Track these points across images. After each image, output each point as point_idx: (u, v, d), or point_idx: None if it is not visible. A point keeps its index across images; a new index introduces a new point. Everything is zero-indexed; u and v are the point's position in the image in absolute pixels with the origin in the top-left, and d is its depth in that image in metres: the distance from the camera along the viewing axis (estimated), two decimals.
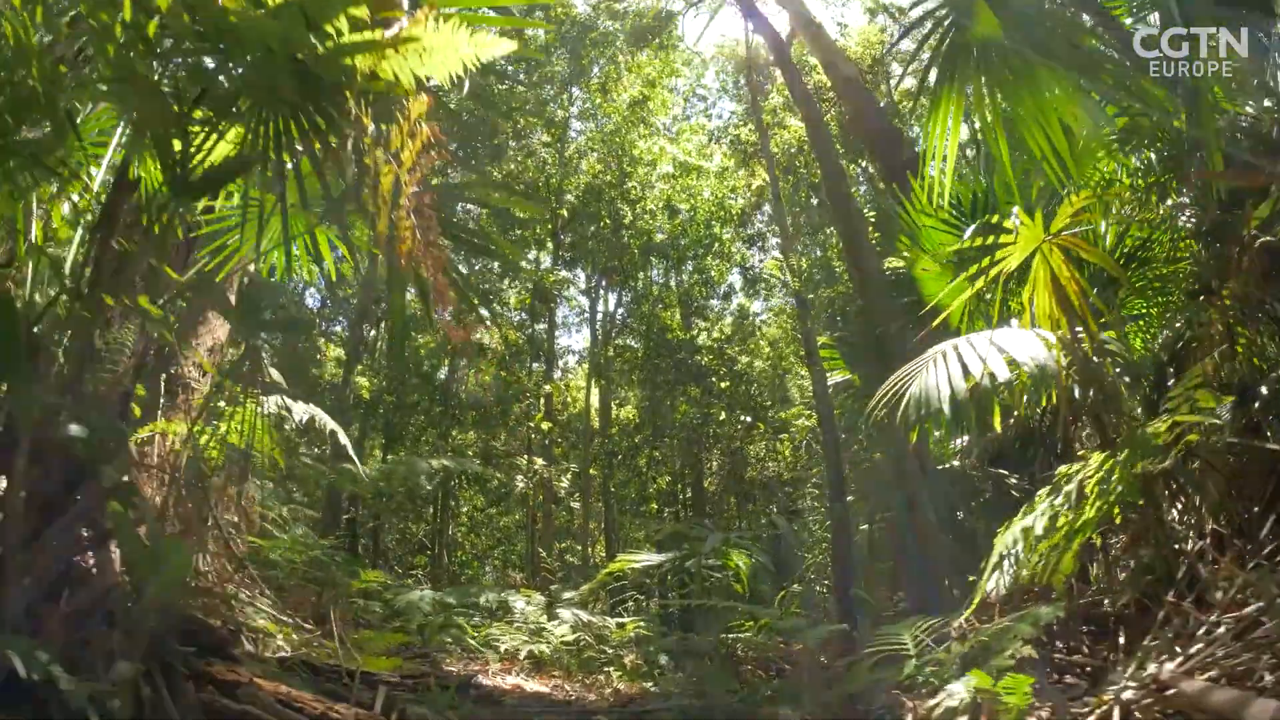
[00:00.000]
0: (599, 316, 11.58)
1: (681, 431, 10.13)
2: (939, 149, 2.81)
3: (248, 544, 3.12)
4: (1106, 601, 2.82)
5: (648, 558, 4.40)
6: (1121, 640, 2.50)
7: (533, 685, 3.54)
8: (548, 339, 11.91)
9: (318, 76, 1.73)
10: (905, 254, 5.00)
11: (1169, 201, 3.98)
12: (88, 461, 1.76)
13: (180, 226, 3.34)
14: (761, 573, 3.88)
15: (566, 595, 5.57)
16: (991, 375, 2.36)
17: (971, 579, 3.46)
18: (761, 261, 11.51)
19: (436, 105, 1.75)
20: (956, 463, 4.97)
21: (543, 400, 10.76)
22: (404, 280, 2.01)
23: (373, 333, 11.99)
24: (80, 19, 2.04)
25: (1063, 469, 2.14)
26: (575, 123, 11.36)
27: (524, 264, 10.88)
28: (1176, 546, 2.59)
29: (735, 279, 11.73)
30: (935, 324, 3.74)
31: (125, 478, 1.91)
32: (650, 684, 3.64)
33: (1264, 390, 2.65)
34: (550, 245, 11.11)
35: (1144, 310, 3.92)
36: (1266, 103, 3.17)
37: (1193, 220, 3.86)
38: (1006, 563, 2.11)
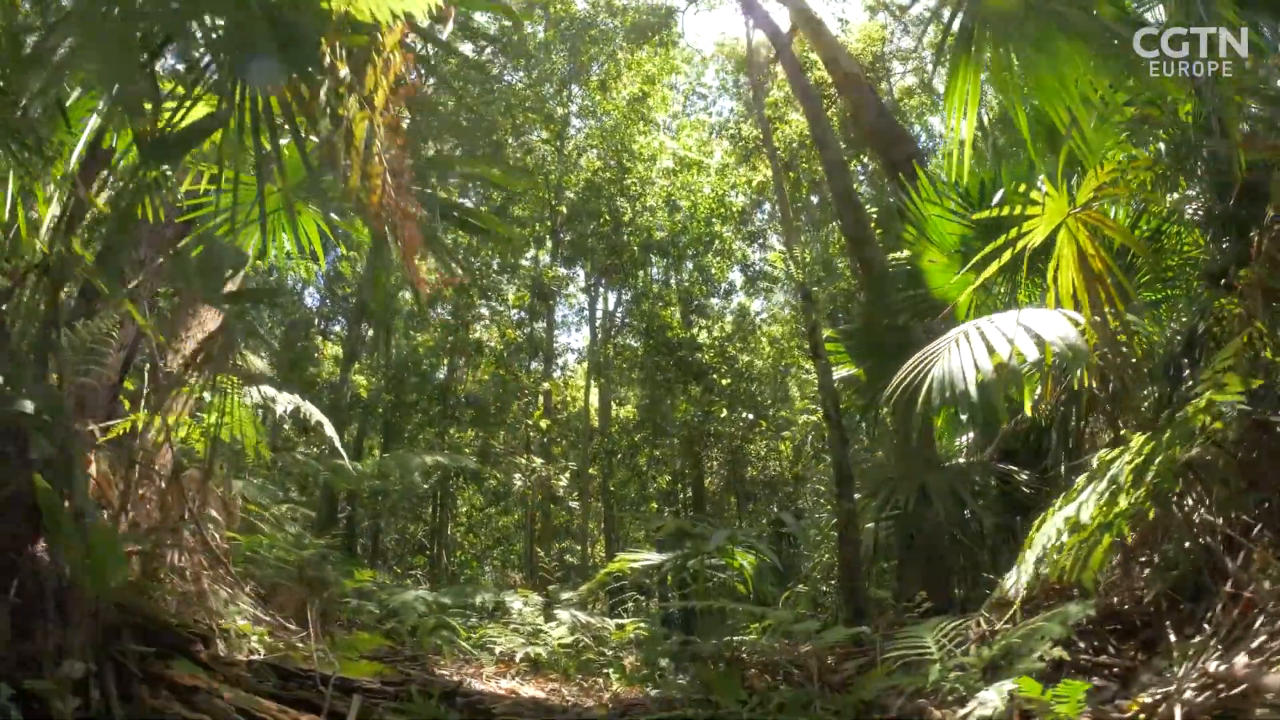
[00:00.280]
0: (599, 315, 11.43)
1: (682, 430, 9.96)
2: (957, 122, 2.64)
3: (228, 540, 2.93)
4: (1120, 599, 2.66)
5: (648, 557, 4.22)
6: (1142, 639, 2.33)
7: (529, 689, 3.34)
8: (547, 337, 11.75)
9: (292, 23, 1.57)
10: (911, 246, 4.83)
11: (1175, 195, 3.87)
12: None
13: (163, 208, 3.20)
14: (766, 573, 3.69)
15: (565, 596, 5.39)
16: (1020, 355, 2.18)
17: (990, 576, 3.30)
18: (762, 260, 11.36)
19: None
20: (961, 460, 4.82)
21: (541, 398, 10.59)
22: (380, 239, 1.85)
23: (371, 332, 11.87)
24: None
25: (1103, 453, 1.96)
26: (575, 120, 11.25)
27: (523, 262, 10.75)
28: (1202, 540, 2.44)
29: (736, 277, 11.60)
30: (942, 316, 3.58)
31: (78, 464, 1.73)
32: (651, 688, 3.45)
33: None
34: (549, 243, 10.96)
35: (1162, 297, 3.76)
36: None
37: (1200, 212, 3.74)
38: (1032, 557, 1.92)
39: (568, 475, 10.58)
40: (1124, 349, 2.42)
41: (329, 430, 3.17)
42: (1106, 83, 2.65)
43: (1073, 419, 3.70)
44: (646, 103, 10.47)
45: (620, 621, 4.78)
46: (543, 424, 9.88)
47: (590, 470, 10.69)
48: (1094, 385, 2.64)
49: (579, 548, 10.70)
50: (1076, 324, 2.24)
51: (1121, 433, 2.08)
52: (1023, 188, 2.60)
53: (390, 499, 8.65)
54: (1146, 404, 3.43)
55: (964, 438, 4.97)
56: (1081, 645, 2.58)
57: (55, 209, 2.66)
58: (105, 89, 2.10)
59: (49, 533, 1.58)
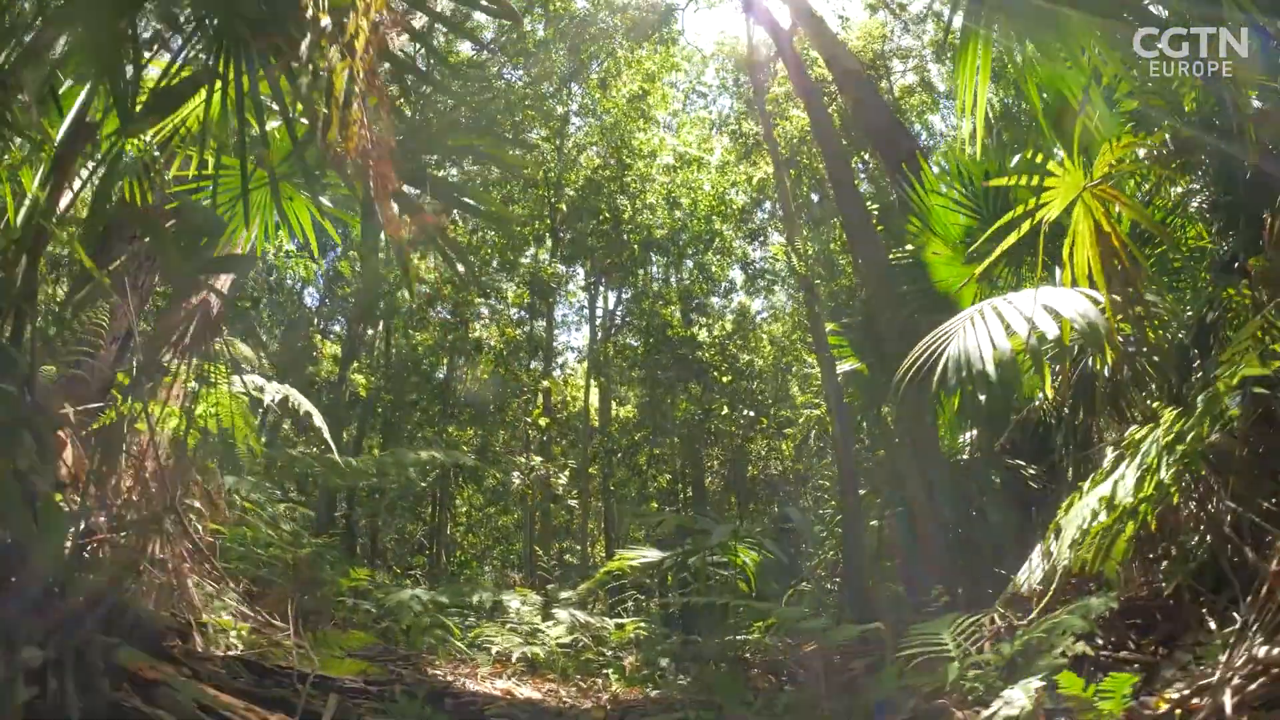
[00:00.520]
0: (599, 313, 11.32)
1: (683, 428, 9.82)
2: (968, 97, 2.53)
3: (212, 533, 2.80)
4: (1138, 591, 2.54)
5: (649, 554, 4.08)
6: (1163, 632, 2.21)
7: (524, 690, 3.21)
8: (546, 336, 11.63)
9: None
10: (915, 238, 4.72)
11: (1178, 189, 3.77)
12: None
13: (151, 192, 3.09)
14: (769, 570, 3.56)
15: (564, 595, 5.26)
16: (1039, 333, 2.06)
17: (1001, 571, 3.17)
18: (762, 259, 11.24)
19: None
20: (965, 457, 4.70)
21: (540, 397, 10.46)
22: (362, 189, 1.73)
23: (370, 331, 11.76)
24: None
25: (1134, 430, 1.83)
26: (575, 119, 11.16)
27: (523, 260, 10.64)
28: (1221, 529, 2.31)
29: (736, 276, 11.48)
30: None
31: (45, 442, 1.61)
32: (651, 689, 3.31)
33: None
34: (549, 241, 10.85)
35: (1173, 287, 3.65)
36: None
37: (1205, 206, 3.65)
38: (1066, 539, 1.79)
39: (567, 473, 10.44)
40: (1146, 326, 2.29)
41: (318, 420, 3.04)
42: (1118, 56, 2.56)
43: (1080, 413, 3.60)
44: (647, 100, 10.37)
45: (620, 621, 4.65)
46: (541, 422, 9.74)
47: (590, 469, 10.55)
48: (1107, 370, 2.52)
49: (579, 547, 10.55)
50: (1096, 302, 2.12)
51: (1154, 405, 1.95)
52: (1040, 158, 2.48)
53: (387, 497, 8.51)
54: (1154, 398, 3.34)
55: (966, 435, 4.85)
56: (1099, 640, 2.45)
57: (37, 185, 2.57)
58: (86, 51, 2.01)
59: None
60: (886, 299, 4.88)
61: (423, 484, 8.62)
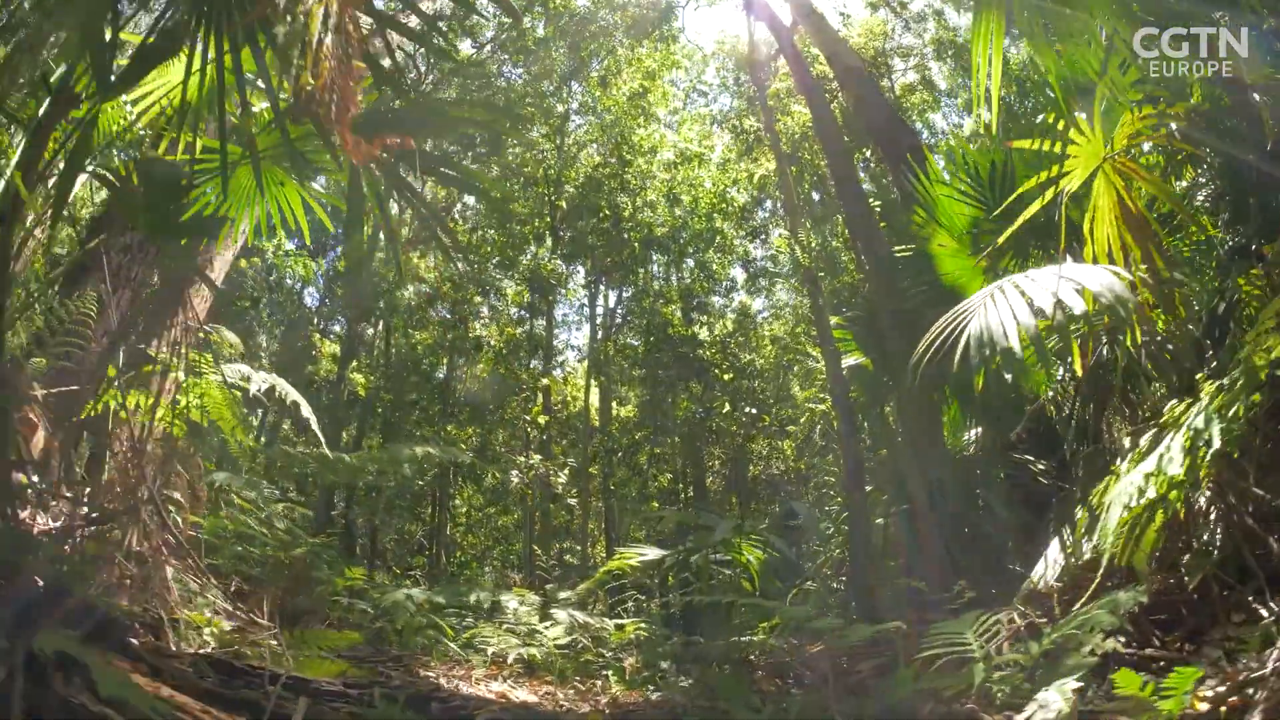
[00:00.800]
0: (599, 312, 11.19)
1: (684, 427, 9.67)
2: (982, 65, 2.40)
3: (193, 526, 2.66)
4: (1161, 586, 2.39)
5: (649, 552, 3.93)
6: (1189, 628, 2.07)
7: (520, 693, 3.06)
8: (546, 335, 11.51)
9: None
10: (921, 229, 4.59)
11: (1184, 182, 3.67)
12: None
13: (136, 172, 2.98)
14: (774, 568, 3.41)
15: (563, 595, 5.10)
16: (1065, 308, 1.92)
17: (1016, 568, 3.02)
18: (764, 258, 11.12)
19: None
20: (968, 453, 4.56)
21: (540, 394, 10.32)
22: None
23: (370, 331, 11.64)
24: None
25: (1173, 405, 1.69)
26: (575, 118, 11.07)
27: (522, 259, 10.53)
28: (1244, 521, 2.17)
29: (738, 274, 11.36)
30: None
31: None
32: (652, 691, 3.16)
33: None
34: (549, 240, 10.72)
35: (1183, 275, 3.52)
36: None
37: (1210, 198, 3.54)
38: (1111, 519, 1.64)
39: (567, 472, 10.29)
40: (1173, 301, 2.15)
41: (305, 411, 2.91)
42: (1132, 30, 2.45)
43: (1090, 408, 3.47)
44: (647, 98, 10.27)
45: (620, 621, 4.49)
46: (541, 420, 9.60)
47: (590, 469, 10.40)
48: (1128, 349, 2.39)
49: (579, 547, 10.39)
50: (1122, 277, 1.99)
51: (1200, 378, 1.80)
52: (1061, 124, 2.35)
53: (385, 495, 8.36)
54: (1165, 392, 3.21)
55: (971, 433, 4.72)
56: (1122, 637, 2.31)
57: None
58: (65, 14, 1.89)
59: None
60: (890, 293, 4.76)
61: (420, 483, 8.49)
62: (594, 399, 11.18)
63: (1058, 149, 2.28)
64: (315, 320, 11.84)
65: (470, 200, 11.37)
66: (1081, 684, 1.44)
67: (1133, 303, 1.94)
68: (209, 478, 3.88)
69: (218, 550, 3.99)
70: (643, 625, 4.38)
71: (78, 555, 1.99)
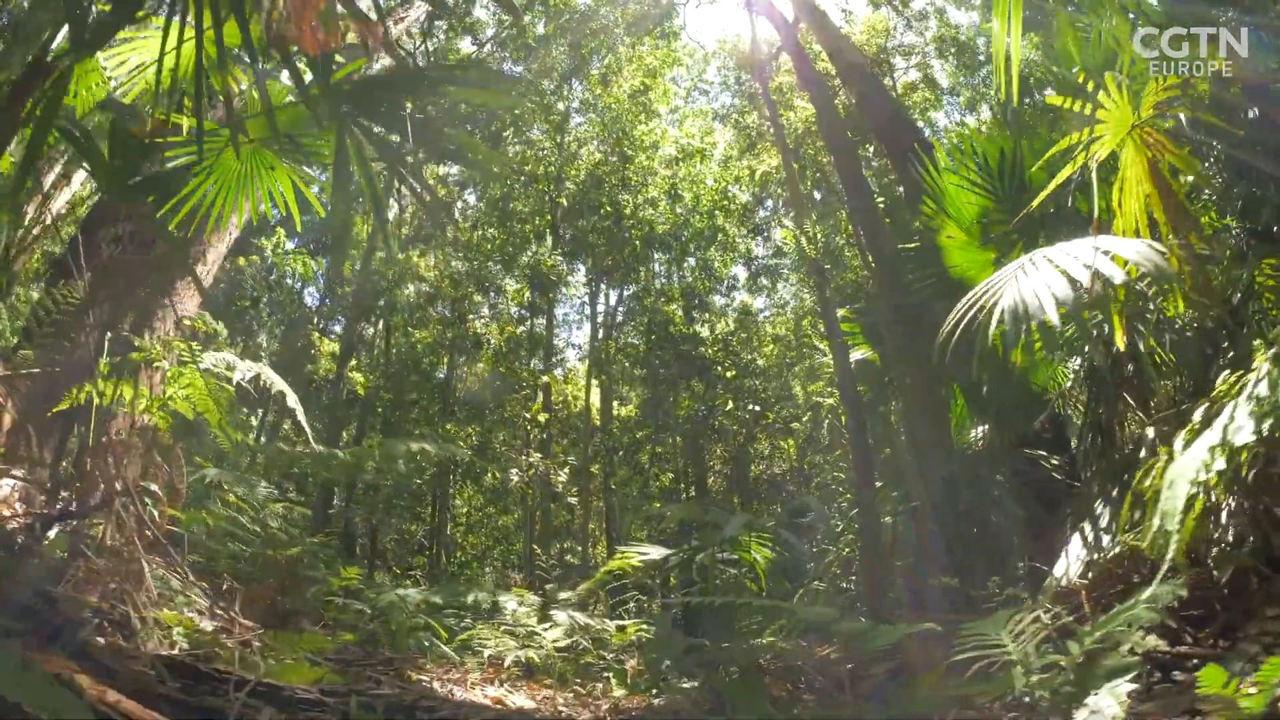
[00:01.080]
0: (600, 311, 11.04)
1: (686, 424, 9.51)
2: (1001, 31, 2.26)
3: (171, 520, 2.51)
4: (1191, 579, 2.24)
5: (652, 551, 3.76)
6: (1220, 624, 1.91)
7: (517, 698, 2.89)
8: (547, 334, 11.36)
9: None
10: (930, 219, 4.44)
11: (1189, 179, 3.54)
12: None
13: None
14: (782, 567, 3.24)
15: (563, 595, 4.92)
16: (1103, 279, 1.77)
17: (1039, 565, 2.87)
18: (765, 255, 10.97)
19: None
20: (975, 450, 4.41)
21: (540, 393, 10.17)
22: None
23: (370, 330, 11.50)
24: None
25: (1225, 376, 1.54)
26: (576, 116, 10.95)
27: (522, 258, 10.41)
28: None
29: (740, 272, 11.21)
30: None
31: None
32: (656, 696, 2.99)
33: None
34: (549, 239, 10.58)
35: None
36: None
37: (1218, 191, 3.41)
38: (1177, 499, 1.48)
39: (567, 470, 10.12)
40: (1208, 274, 2.00)
41: (291, 401, 2.75)
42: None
43: (1101, 405, 3.33)
44: (648, 95, 10.15)
45: (621, 623, 4.32)
46: (541, 418, 9.44)
47: (592, 469, 10.24)
48: (1178, 318, 2.22)
49: (579, 548, 10.22)
50: (1157, 249, 1.84)
51: (1253, 353, 1.66)
52: (1090, 85, 2.21)
53: (382, 493, 8.20)
54: (1176, 386, 3.07)
55: (977, 430, 4.57)
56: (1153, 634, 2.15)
57: None
58: None
59: None
60: (896, 287, 4.61)
61: (418, 481, 8.32)
62: (595, 398, 11.03)
63: (1087, 110, 2.13)
64: (315, 320, 11.71)
65: (472, 199, 11.27)
66: (1135, 685, 1.28)
67: (1172, 273, 1.79)
68: (200, 474, 3.74)
69: (203, 548, 3.84)
70: (645, 626, 4.21)
71: (44, 549, 1.84)
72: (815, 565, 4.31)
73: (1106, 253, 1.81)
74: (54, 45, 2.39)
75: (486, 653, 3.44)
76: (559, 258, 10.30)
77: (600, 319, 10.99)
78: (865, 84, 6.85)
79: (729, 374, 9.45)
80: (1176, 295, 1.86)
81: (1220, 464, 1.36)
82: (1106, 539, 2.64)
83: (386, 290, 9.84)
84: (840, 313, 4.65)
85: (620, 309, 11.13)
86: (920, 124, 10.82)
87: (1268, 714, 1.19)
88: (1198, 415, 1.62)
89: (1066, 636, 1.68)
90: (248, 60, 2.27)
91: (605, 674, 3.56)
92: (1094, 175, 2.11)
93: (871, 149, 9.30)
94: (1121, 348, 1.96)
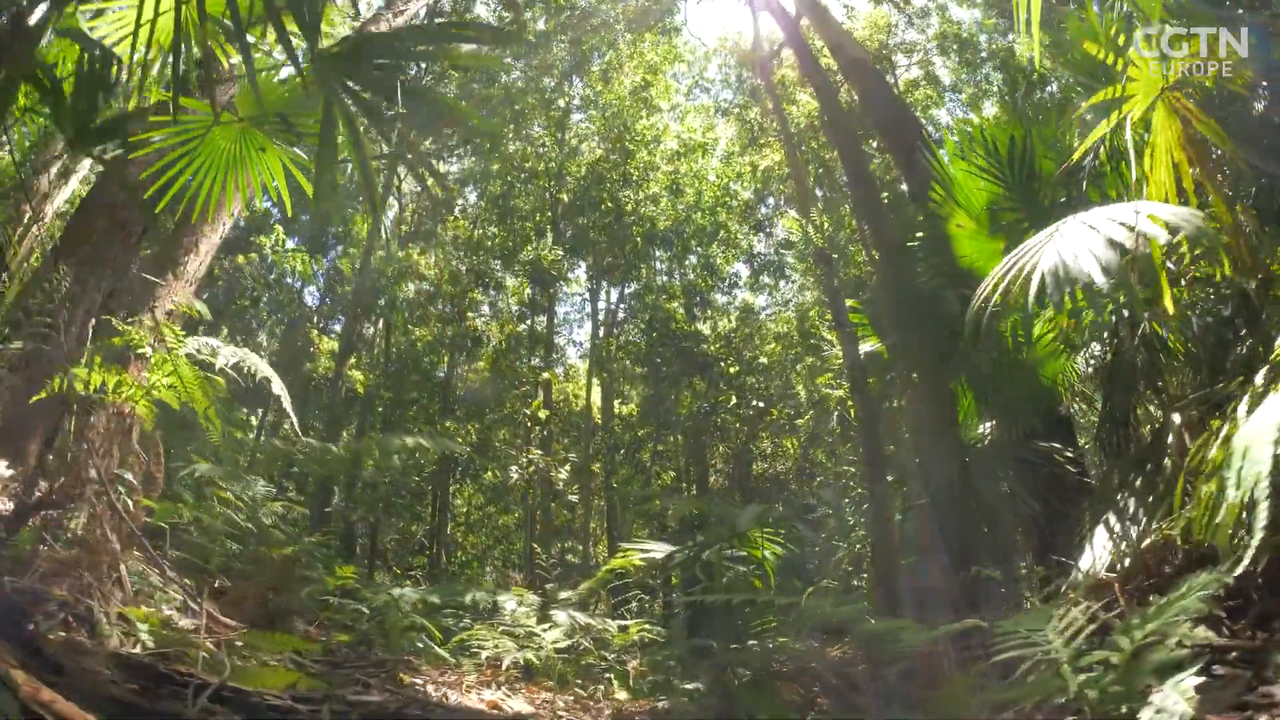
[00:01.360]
0: (600, 309, 10.89)
1: (688, 421, 9.34)
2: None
3: (142, 510, 2.35)
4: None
5: (655, 548, 3.59)
6: (1257, 615, 1.76)
7: (515, 702, 2.72)
8: (547, 331, 11.21)
9: None
10: (939, 207, 4.29)
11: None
12: None
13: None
14: (792, 565, 3.08)
15: (563, 595, 4.76)
16: (1150, 239, 1.62)
17: (1044, 559, 2.71)
18: (767, 251, 10.81)
19: None
20: (983, 444, 4.27)
21: (540, 389, 10.01)
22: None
23: (370, 329, 11.36)
24: None
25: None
26: (576, 114, 10.82)
27: (522, 257, 10.27)
28: None
29: (741, 270, 11.05)
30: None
31: None
32: (659, 699, 2.82)
33: None
34: (550, 236, 10.44)
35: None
36: None
37: (1231, 177, 3.28)
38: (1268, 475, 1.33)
39: (568, 468, 9.94)
40: (1243, 243, 1.85)
41: (277, 388, 2.60)
42: None
43: (1116, 394, 3.19)
44: (650, 91, 10.03)
45: (623, 623, 4.16)
46: (541, 414, 9.26)
47: (593, 467, 10.07)
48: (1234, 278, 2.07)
49: (580, 547, 10.04)
50: (1198, 214, 1.69)
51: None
52: (1123, 38, 2.06)
53: (380, 490, 8.03)
54: (1188, 379, 2.94)
55: (985, 425, 4.42)
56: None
57: None
58: None
59: None
60: (901, 278, 4.46)
61: (416, 479, 8.16)
62: (596, 396, 10.87)
63: (1119, 66, 1.99)
64: (315, 319, 11.57)
65: (473, 198, 11.13)
66: (1199, 679, 1.14)
67: (1215, 237, 1.65)
68: (190, 469, 3.59)
69: (195, 544, 3.68)
70: (647, 626, 4.05)
71: (15, 540, 1.68)
72: (822, 563, 4.14)
73: (1148, 215, 1.67)
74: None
75: (484, 654, 3.28)
76: (560, 252, 10.14)
77: (601, 316, 10.85)
78: (868, 79, 6.73)
79: (732, 369, 9.29)
80: (1223, 259, 1.71)
81: None
82: (1134, 529, 2.50)
83: (386, 288, 9.71)
84: (849, 303, 4.50)
85: (621, 306, 10.98)
86: (922, 121, 10.68)
87: None
88: (1259, 378, 1.46)
89: (1103, 633, 1.53)
90: (233, 28, 2.13)
91: (607, 675, 3.40)
92: (1128, 136, 1.96)
93: (874, 144, 9.16)
94: (1170, 310, 1.81)
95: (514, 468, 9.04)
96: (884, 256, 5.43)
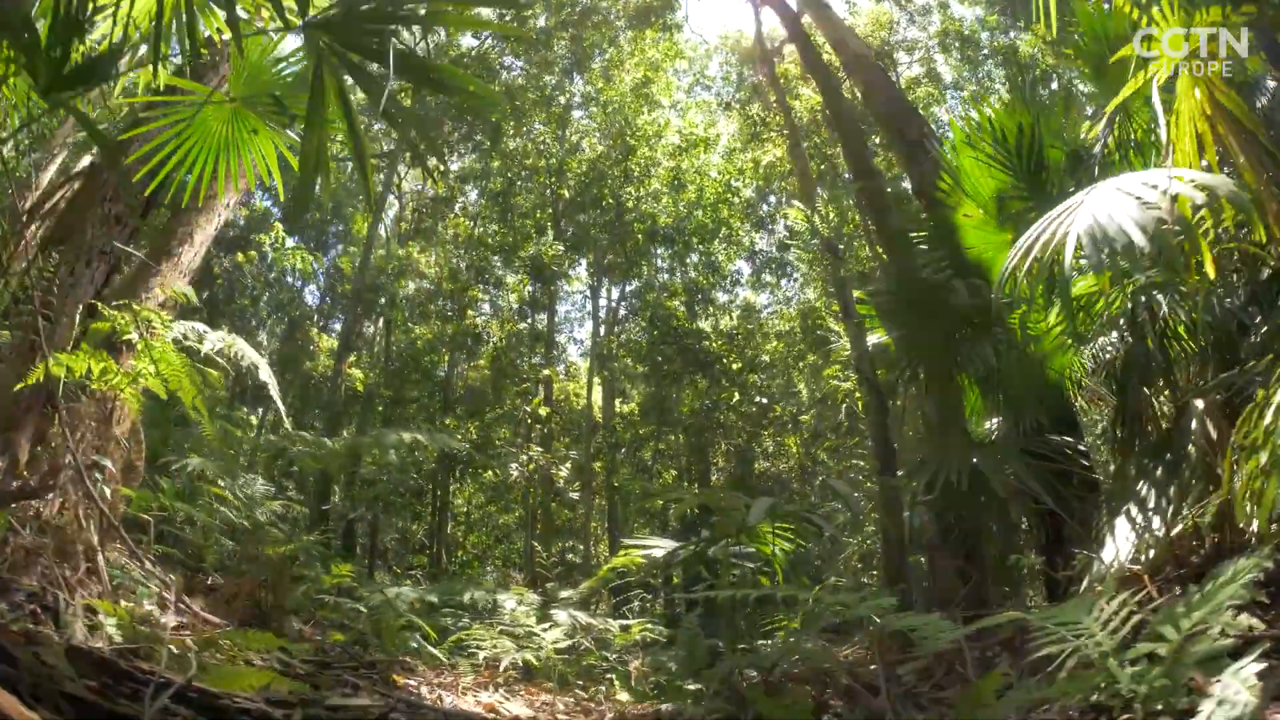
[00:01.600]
0: (601, 306, 10.78)
1: (690, 418, 9.21)
2: None
3: (121, 499, 2.23)
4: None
5: (658, 546, 3.47)
6: None
7: (513, 705, 2.59)
8: (548, 329, 11.10)
9: None
10: (947, 197, 4.18)
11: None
12: None
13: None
14: (801, 561, 2.95)
15: (564, 594, 4.64)
16: (1184, 201, 1.51)
17: (1086, 555, 2.60)
18: (769, 248, 10.69)
19: None
20: (990, 440, 4.17)
21: (541, 387, 9.89)
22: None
23: (371, 327, 11.27)
24: None
25: None
26: (577, 112, 10.72)
27: (522, 255, 10.16)
28: None
29: (743, 267, 10.93)
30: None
31: None
32: (662, 701, 2.69)
33: None
34: (551, 233, 10.33)
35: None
36: None
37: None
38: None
39: (569, 466, 9.81)
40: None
41: (264, 374, 2.48)
42: None
43: (1131, 384, 3.08)
44: (651, 88, 9.93)
45: (625, 622, 4.03)
46: (542, 411, 9.14)
47: (594, 465, 9.93)
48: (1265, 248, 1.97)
49: (581, 546, 9.90)
50: (1232, 180, 1.58)
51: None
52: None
53: (379, 488, 7.90)
54: (1200, 369, 2.83)
55: (992, 421, 4.30)
56: None
57: None
58: None
59: None
60: (906, 269, 4.35)
61: (414, 476, 8.03)
62: (597, 395, 10.75)
63: (1142, 23, 1.87)
64: (315, 317, 11.48)
65: (474, 195, 11.03)
66: (1262, 665, 1.03)
67: (1249, 203, 1.54)
68: (182, 463, 3.48)
69: (186, 541, 3.56)
70: (649, 626, 3.92)
71: None
72: (831, 559, 4.01)
73: (1183, 180, 1.55)
74: None
75: (482, 654, 3.16)
76: (560, 249, 10.03)
77: (602, 314, 10.74)
78: (870, 74, 6.64)
79: (735, 366, 9.16)
80: (1257, 226, 1.60)
81: None
82: (1156, 520, 2.39)
83: (386, 286, 9.61)
84: (856, 294, 4.39)
85: (623, 304, 10.86)
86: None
87: None
88: None
89: (1138, 626, 1.41)
90: None
91: (608, 676, 3.28)
92: (1156, 97, 1.85)
93: (877, 140, 9.06)
94: (1212, 275, 1.70)
95: (514, 466, 8.91)
96: (888, 248, 5.33)
